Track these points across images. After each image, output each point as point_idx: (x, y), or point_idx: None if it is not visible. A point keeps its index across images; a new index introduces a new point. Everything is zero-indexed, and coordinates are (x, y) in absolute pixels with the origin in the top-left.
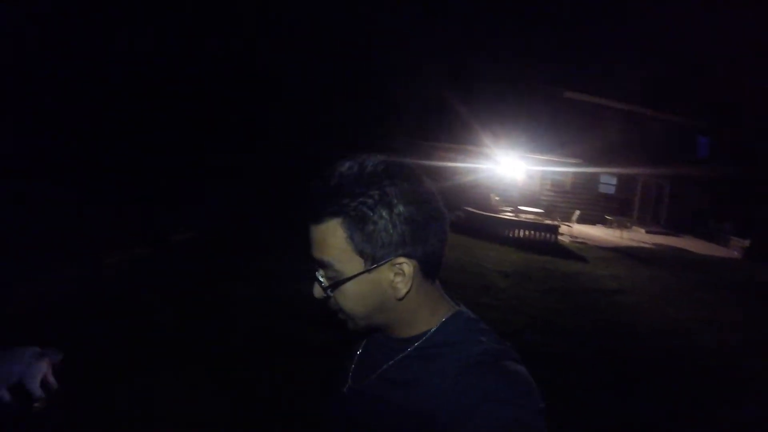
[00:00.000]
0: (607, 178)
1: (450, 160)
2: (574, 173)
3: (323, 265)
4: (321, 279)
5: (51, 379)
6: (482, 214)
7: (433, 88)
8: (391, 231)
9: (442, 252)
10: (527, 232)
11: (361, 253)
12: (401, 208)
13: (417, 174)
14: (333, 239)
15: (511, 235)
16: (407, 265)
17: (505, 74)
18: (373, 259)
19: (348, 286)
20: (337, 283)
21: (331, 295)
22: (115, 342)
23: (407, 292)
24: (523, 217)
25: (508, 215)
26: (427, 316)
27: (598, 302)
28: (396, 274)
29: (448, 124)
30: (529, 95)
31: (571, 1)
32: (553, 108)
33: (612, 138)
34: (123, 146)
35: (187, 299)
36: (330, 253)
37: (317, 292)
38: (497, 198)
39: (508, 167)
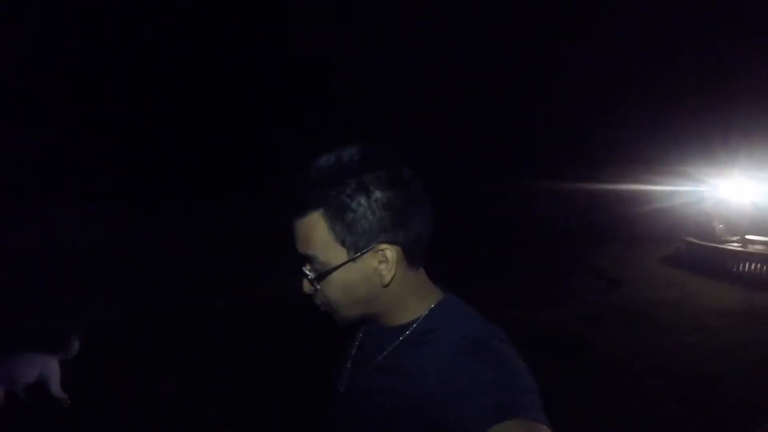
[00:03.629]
0: None
1: (663, 183)
2: None
3: (308, 259)
4: (307, 273)
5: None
6: (703, 246)
7: (636, 106)
8: (371, 218)
9: (427, 237)
10: (757, 267)
11: (343, 243)
12: (378, 194)
13: (394, 161)
14: (315, 232)
15: (737, 269)
16: (390, 251)
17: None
18: (355, 248)
19: (334, 277)
20: (322, 274)
21: (318, 287)
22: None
23: (392, 279)
24: (752, 248)
25: (734, 246)
26: (415, 302)
27: None
28: (380, 261)
29: (659, 142)
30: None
31: None
32: None
33: None
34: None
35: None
36: (314, 246)
37: (305, 287)
38: (721, 226)
39: (734, 189)
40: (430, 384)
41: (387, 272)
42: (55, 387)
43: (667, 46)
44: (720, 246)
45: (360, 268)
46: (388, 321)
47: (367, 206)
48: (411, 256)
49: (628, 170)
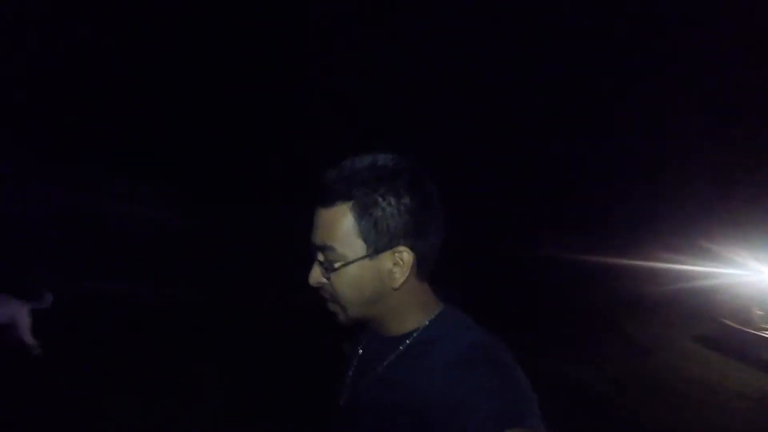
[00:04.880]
0: None
1: (704, 263)
2: None
3: (325, 250)
4: (322, 261)
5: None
6: (739, 330)
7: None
8: (397, 220)
9: (437, 252)
10: None
11: (365, 239)
12: (407, 199)
13: (423, 174)
14: (340, 223)
15: None
16: (407, 254)
17: None
18: (376, 246)
19: (348, 271)
20: (338, 266)
21: (330, 278)
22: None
23: (403, 283)
24: None
25: None
26: (417, 312)
27: None
28: (395, 264)
29: (701, 220)
30: None
31: None
32: None
33: None
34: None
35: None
36: (335, 237)
37: (314, 277)
38: (760, 313)
39: None
40: (430, 395)
41: (400, 275)
42: (25, 333)
43: (711, 121)
44: (756, 332)
45: (375, 266)
46: (388, 328)
47: (396, 208)
48: (422, 265)
49: (668, 247)
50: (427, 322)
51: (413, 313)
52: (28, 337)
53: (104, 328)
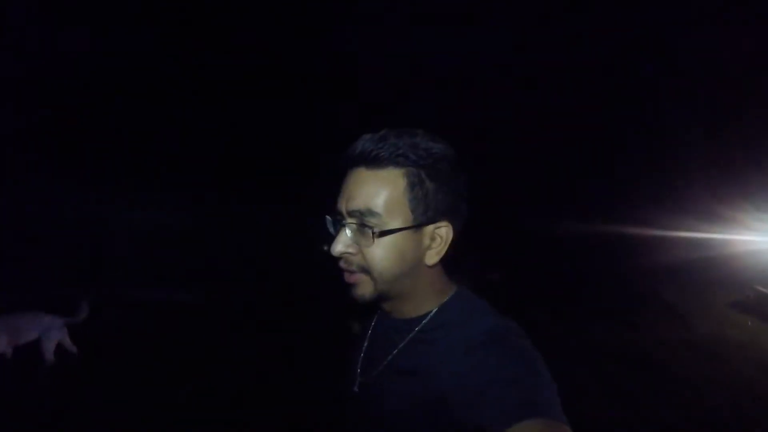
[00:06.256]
0: None
1: (738, 231)
2: None
3: (367, 215)
4: (356, 227)
5: (67, 342)
6: None
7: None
8: (442, 197)
9: (459, 235)
10: None
11: (413, 209)
12: (452, 181)
13: (458, 160)
14: (390, 188)
15: None
16: (447, 231)
17: None
18: (422, 218)
19: (390, 240)
20: (383, 232)
21: (368, 245)
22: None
23: (438, 261)
24: None
25: None
26: (434, 294)
27: None
28: (432, 239)
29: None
30: None
31: None
32: None
33: None
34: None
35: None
36: (382, 202)
37: (341, 243)
38: None
39: None
40: (444, 382)
41: (436, 252)
42: (49, 348)
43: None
44: None
45: (416, 239)
46: (403, 310)
47: (445, 185)
48: (453, 245)
49: (700, 216)
50: (439, 306)
51: (430, 294)
52: (50, 354)
53: (123, 332)
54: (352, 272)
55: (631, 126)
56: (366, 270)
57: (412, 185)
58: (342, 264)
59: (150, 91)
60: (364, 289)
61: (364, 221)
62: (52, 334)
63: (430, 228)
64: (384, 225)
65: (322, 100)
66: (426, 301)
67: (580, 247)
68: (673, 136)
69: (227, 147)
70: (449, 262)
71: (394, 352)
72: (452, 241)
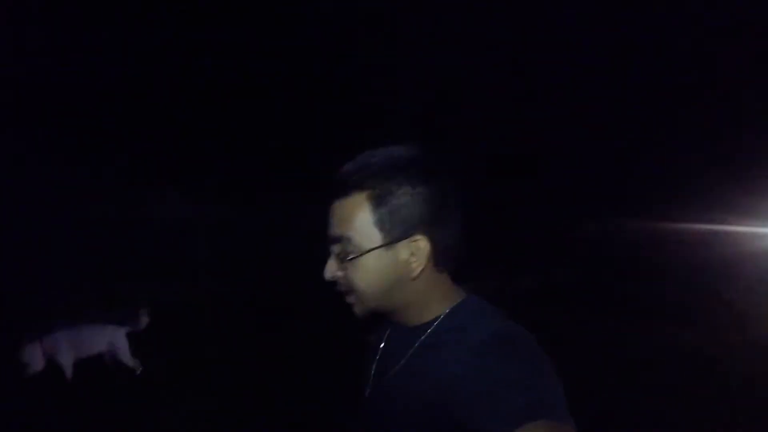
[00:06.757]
0: None
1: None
2: None
3: (342, 240)
4: (338, 252)
5: (127, 352)
6: None
7: None
8: (413, 209)
9: (458, 242)
10: None
11: (381, 228)
12: (423, 188)
13: (439, 164)
14: (356, 213)
15: None
16: (423, 242)
17: None
18: (392, 235)
19: (364, 261)
20: (355, 256)
21: (347, 269)
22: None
23: (420, 273)
24: None
25: None
26: (436, 302)
27: None
28: (412, 253)
29: None
30: None
31: None
32: None
33: None
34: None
35: None
36: (352, 227)
37: (330, 270)
38: None
39: None
40: (456, 385)
41: (416, 265)
42: (126, 357)
43: None
44: None
45: (392, 256)
46: (408, 318)
47: (411, 197)
48: (440, 256)
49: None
50: (448, 311)
51: (433, 303)
52: (129, 360)
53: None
54: (345, 293)
55: (694, 119)
56: (352, 291)
57: (376, 206)
58: (337, 287)
59: (166, 90)
60: (357, 307)
61: (341, 246)
62: (120, 345)
63: (404, 243)
64: (357, 248)
65: (333, 103)
66: (429, 309)
67: (635, 245)
68: (736, 129)
69: (227, 147)
70: (462, 269)
71: (404, 358)
72: (449, 248)
